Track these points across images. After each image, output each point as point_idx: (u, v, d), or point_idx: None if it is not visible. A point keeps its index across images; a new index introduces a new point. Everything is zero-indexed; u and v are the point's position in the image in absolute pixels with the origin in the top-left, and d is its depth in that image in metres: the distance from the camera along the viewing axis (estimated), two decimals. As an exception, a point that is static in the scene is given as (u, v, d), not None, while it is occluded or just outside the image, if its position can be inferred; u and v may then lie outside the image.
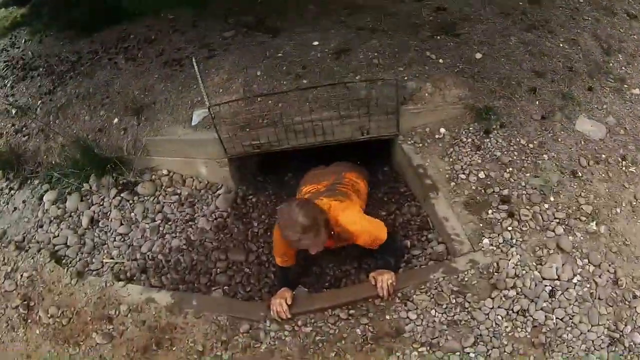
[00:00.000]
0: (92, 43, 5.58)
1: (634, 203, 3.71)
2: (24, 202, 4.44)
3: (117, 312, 3.57)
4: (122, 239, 4.05)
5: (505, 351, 3.12)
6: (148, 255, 3.90)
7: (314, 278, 3.73)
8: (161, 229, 4.02)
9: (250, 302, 3.61)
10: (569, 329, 3.14)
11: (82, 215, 4.15)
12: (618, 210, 3.64)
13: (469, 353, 3.13)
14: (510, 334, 3.15)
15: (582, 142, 3.93)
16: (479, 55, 4.33)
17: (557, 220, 3.52)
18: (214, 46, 4.88)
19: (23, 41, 6.19)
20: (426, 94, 4.08)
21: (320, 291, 3.60)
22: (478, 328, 3.18)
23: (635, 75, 4.45)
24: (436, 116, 4.05)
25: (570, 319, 3.17)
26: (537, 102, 4.10)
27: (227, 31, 5.09)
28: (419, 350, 3.16)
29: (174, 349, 3.36)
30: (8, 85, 5.38)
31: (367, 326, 3.28)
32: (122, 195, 4.23)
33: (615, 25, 4.83)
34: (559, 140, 3.93)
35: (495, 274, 3.33)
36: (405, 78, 4.14)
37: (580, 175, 3.73)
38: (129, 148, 4.36)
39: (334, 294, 3.49)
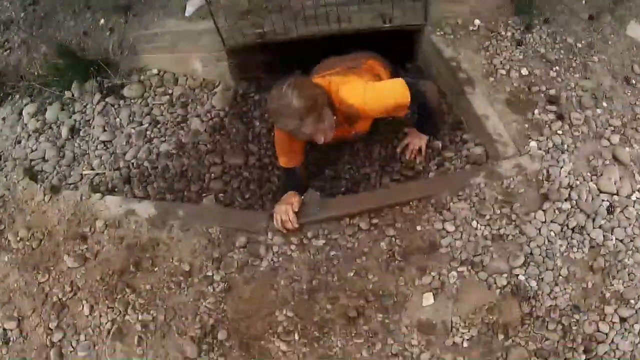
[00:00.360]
0: None
1: (694, 115, 3.17)
2: (3, 119, 3.78)
3: (92, 230, 2.92)
4: (105, 147, 3.42)
5: (560, 275, 2.50)
6: (132, 163, 3.27)
7: (327, 183, 3.07)
8: (148, 133, 3.40)
9: (248, 210, 2.96)
10: (629, 252, 2.56)
11: (63, 125, 3.57)
12: (677, 121, 3.12)
13: (517, 275, 2.48)
14: (565, 255, 2.55)
15: (634, 49, 3.34)
16: None
17: (612, 129, 2.94)
18: None
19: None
20: None
21: (335, 197, 2.94)
22: (528, 245, 2.56)
23: None
24: (470, 5, 3.37)
25: (630, 241, 2.59)
26: (584, 1, 3.47)
27: None
28: (459, 270, 2.52)
29: (155, 269, 2.72)
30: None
31: (394, 239, 2.62)
32: (106, 100, 3.61)
33: None
34: (609, 43, 3.32)
35: (546, 182, 2.70)
36: None
37: (634, 82, 3.17)
38: (115, 48, 3.70)
39: (353, 199, 2.80)
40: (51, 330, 2.71)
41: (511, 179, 2.73)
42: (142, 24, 3.69)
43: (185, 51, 3.55)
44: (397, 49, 3.51)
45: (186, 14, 3.56)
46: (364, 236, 2.67)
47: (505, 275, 2.50)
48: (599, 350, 2.40)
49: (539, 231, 2.60)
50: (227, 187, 3.07)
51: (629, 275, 2.52)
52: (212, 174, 3.11)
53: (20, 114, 3.74)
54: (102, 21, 3.86)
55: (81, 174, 3.24)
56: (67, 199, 3.07)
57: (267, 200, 3.05)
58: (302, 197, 2.79)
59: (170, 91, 3.61)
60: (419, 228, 2.64)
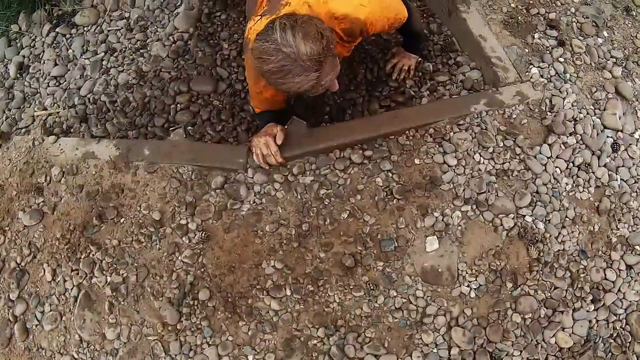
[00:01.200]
0: None
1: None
2: None
3: (48, 179, 2.29)
4: (57, 83, 2.79)
5: (567, 217, 2.09)
6: (89, 99, 2.63)
7: (307, 110, 2.44)
8: (105, 63, 2.77)
9: (223, 144, 2.35)
10: (634, 194, 2.20)
11: (10, 63, 2.98)
12: (681, 58, 2.57)
13: (524, 216, 2.03)
14: (571, 194, 2.14)
15: None
16: None
17: (614, 60, 2.49)
18: None
19: None
20: None
21: (317, 109, 2.37)
22: (534, 183, 2.11)
23: None
24: None
25: (635, 182, 2.23)
26: None
27: None
28: (462, 209, 2.03)
29: (121, 221, 2.13)
30: None
31: (390, 174, 2.10)
32: (57, 30, 2.98)
33: None
34: None
35: (549, 113, 2.23)
36: None
37: (634, 14, 2.71)
38: None
39: (343, 128, 2.22)
40: (12, 302, 2.14)
41: (513, 107, 2.24)
42: None
43: None
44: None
45: None
46: (357, 171, 2.12)
47: (512, 215, 2.04)
48: (606, 299, 2.02)
49: (545, 167, 2.14)
50: (195, 119, 2.46)
51: (633, 219, 2.15)
52: (179, 105, 2.49)
53: (-37, 55, 3.00)
54: None
55: (33, 116, 2.64)
56: (18, 145, 2.43)
57: (242, 131, 2.45)
58: (285, 126, 2.19)
59: (127, 14, 2.95)
60: (417, 161, 2.11)
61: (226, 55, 2.65)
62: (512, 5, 2.61)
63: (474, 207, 2.05)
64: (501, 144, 2.18)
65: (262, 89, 2.06)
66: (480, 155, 2.14)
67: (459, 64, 2.51)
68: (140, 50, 2.78)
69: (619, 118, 2.33)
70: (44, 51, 2.97)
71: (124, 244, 2.12)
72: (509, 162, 2.15)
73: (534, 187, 2.12)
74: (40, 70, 2.91)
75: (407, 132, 2.17)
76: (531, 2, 2.63)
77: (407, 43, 2.48)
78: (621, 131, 2.32)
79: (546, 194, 2.12)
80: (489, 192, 2.09)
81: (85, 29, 2.99)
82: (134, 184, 2.20)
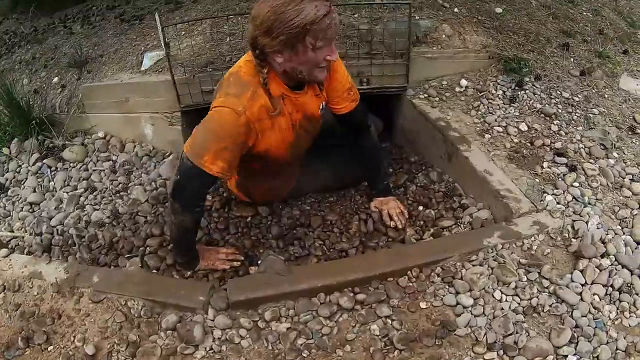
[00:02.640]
0: (52, 18, 4.35)
1: None
2: None
3: None
4: (31, 209, 2.69)
5: (618, 349, 1.70)
6: (57, 229, 2.47)
7: (292, 261, 2.13)
8: (82, 199, 2.66)
9: (182, 279, 2.06)
10: None
11: None
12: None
13: (566, 356, 1.64)
14: (617, 322, 1.78)
15: (632, 100, 2.84)
16: (499, 10, 3.18)
17: (631, 177, 2.35)
18: (182, 0, 3.61)
19: (-19, 24, 4.84)
20: (443, 36, 2.85)
21: (302, 260, 2.08)
22: (571, 316, 1.74)
23: None
24: (456, 66, 2.83)
25: None
26: (572, 59, 2.98)
27: None
28: (486, 357, 1.64)
29: (49, 348, 1.79)
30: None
31: (389, 321, 1.75)
32: (44, 161, 2.94)
33: (634, 7, 3.84)
34: (606, 96, 2.80)
35: (574, 239, 1.95)
36: (417, 18, 2.90)
37: None
38: (62, 105, 3.09)
39: (330, 267, 1.93)
40: None
41: (532, 238, 1.96)
42: (96, 79, 3.07)
43: (136, 111, 2.86)
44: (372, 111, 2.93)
45: (142, 67, 2.94)
46: (347, 318, 1.78)
47: (551, 357, 1.65)
48: None
49: (581, 296, 1.80)
50: (161, 264, 2.18)
51: None
52: (148, 248, 2.25)
53: (-48, 168, 2.94)
54: (55, 79, 3.28)
55: None
56: None
57: (214, 278, 2.12)
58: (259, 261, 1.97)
59: (114, 157, 2.91)
60: (423, 305, 1.78)
61: (208, 206, 2.48)
62: (515, 140, 2.48)
63: (501, 352, 1.66)
64: (524, 278, 1.85)
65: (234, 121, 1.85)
66: (502, 292, 1.81)
67: (465, 206, 2.31)
68: (120, 193, 2.69)
69: None
70: (27, 178, 2.91)
71: (45, 374, 1.64)
72: (537, 297, 1.81)
73: (571, 320, 1.75)
74: (18, 195, 2.82)
75: (409, 272, 1.86)
76: (534, 135, 2.50)
77: (372, 179, 2.44)
78: None
79: (588, 326, 1.75)
80: (517, 332, 1.71)
81: (71, 164, 2.94)
82: (74, 312, 1.90)
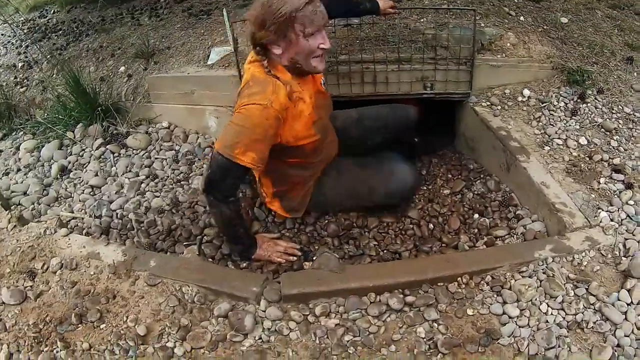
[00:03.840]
0: (119, 8, 4.56)
1: None
2: (0, 151, 3.34)
3: (45, 267, 2.17)
4: (92, 192, 2.80)
5: None
6: (117, 213, 2.57)
7: (346, 260, 2.21)
8: (143, 185, 2.77)
9: (237, 269, 2.16)
10: None
11: (55, 164, 3.07)
12: None
13: None
14: None
15: None
16: (564, 20, 3.19)
17: None
18: None
19: (52, 12, 5.20)
20: (508, 44, 2.88)
21: (356, 259, 2.16)
22: (614, 335, 1.76)
23: None
24: (519, 75, 2.85)
25: None
26: (636, 73, 2.95)
27: None
28: None
29: (102, 326, 1.88)
30: (23, 45, 4.45)
31: (436, 325, 1.80)
32: (107, 147, 3.05)
33: None
34: None
35: (624, 258, 1.96)
36: (482, 25, 2.95)
37: None
38: (128, 93, 3.26)
39: (382, 269, 2.00)
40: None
41: (583, 254, 1.98)
42: (162, 71, 3.22)
43: (201, 103, 3.01)
44: (434, 116, 2.96)
45: (209, 62, 3.08)
46: (395, 318, 1.84)
47: None
48: None
49: (626, 316, 1.80)
50: (216, 253, 2.29)
51: None
52: (205, 237, 2.36)
53: (18, 148, 3.27)
54: (122, 68, 3.45)
55: (58, 215, 2.58)
56: (31, 230, 2.37)
57: (268, 271, 2.21)
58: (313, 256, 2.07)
59: (177, 147, 3.03)
60: (470, 312, 1.83)
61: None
62: (574, 154, 2.49)
63: (543, 365, 1.74)
64: (572, 293, 1.88)
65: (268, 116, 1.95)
66: (548, 305, 1.84)
67: (519, 217, 2.34)
68: (182, 182, 2.80)
69: None
70: (89, 162, 3.05)
71: (95, 350, 1.82)
72: (583, 313, 1.82)
73: (614, 339, 1.76)
74: (80, 177, 2.95)
75: (459, 278, 1.91)
76: (593, 149, 2.50)
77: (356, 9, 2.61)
78: None
79: (630, 346, 1.75)
80: (559, 347, 1.73)
81: (134, 151, 3.07)
82: (129, 294, 2.00)
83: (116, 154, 3.04)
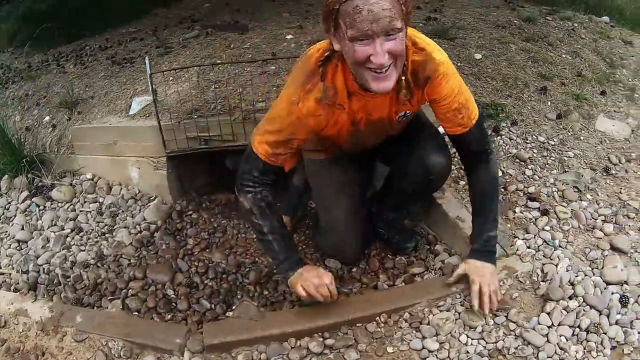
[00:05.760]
0: (46, 54, 4.58)
1: (687, 199, 2.54)
2: None
3: None
4: (19, 247, 2.82)
5: None
6: (44, 268, 2.61)
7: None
8: (69, 239, 2.79)
9: (160, 321, 2.17)
10: None
11: None
12: (670, 206, 2.48)
13: None
14: None
15: (607, 141, 2.99)
16: (478, 56, 3.39)
17: (603, 218, 2.46)
18: (172, 45, 3.81)
19: (-24, 58, 5.04)
20: None
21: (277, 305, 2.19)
22: (536, 357, 1.86)
23: None
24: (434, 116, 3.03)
25: None
26: (549, 103, 3.14)
27: (189, 33, 4.06)
28: None
29: None
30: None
31: None
32: (33, 199, 3.07)
33: (613, 47, 4.04)
34: (581, 138, 2.96)
35: (543, 282, 2.08)
36: None
37: (614, 172, 2.75)
38: (52, 144, 3.26)
39: (300, 313, 2.04)
40: None
41: (501, 283, 2.08)
42: (86, 121, 3.24)
43: (123, 154, 3.02)
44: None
45: (130, 112, 3.11)
46: None
47: None
48: None
49: (547, 338, 1.90)
50: (142, 306, 2.32)
51: None
52: (130, 290, 2.39)
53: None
54: (46, 118, 3.45)
55: None
56: None
57: (192, 322, 2.23)
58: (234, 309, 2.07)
59: (101, 199, 3.04)
60: (390, 349, 1.89)
61: (189, 251, 2.64)
62: None
63: (465, 394, 1.81)
64: (491, 322, 1.95)
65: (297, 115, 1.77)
66: (467, 336, 1.90)
67: (436, 252, 2.44)
68: (106, 235, 2.81)
69: (621, 270, 2.17)
70: (15, 215, 3.03)
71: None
72: (503, 340, 1.90)
73: None
74: (6, 232, 2.94)
75: (377, 317, 1.97)
76: (508, 180, 2.64)
77: (474, 223, 2.09)
78: (626, 283, 2.14)
79: None
80: None
81: (59, 204, 3.06)
82: (58, 350, 2.02)
83: (42, 207, 3.05)
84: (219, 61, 3.17)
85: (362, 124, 1.87)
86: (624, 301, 2.05)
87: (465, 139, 1.93)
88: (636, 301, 2.07)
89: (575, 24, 4.24)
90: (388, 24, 1.50)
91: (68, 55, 4.33)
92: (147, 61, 2.66)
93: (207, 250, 2.62)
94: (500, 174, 2.67)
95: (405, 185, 2.23)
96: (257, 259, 2.54)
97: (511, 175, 2.68)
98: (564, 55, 3.66)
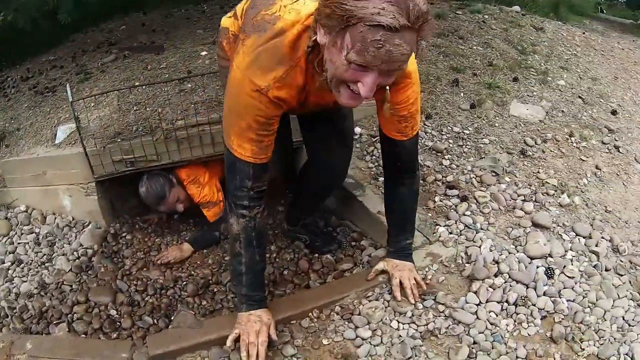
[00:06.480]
0: None
1: (599, 173, 2.90)
2: None
3: None
4: None
5: (518, 357, 1.93)
6: None
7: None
8: (10, 272, 2.85)
9: (105, 340, 2.28)
10: (587, 310, 2.11)
11: None
12: (585, 181, 2.82)
13: None
14: (515, 333, 2.02)
15: (522, 125, 3.19)
16: None
17: (523, 198, 2.64)
18: (91, 70, 3.84)
19: None
20: None
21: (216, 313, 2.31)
22: (468, 334, 2.00)
23: (555, 70, 3.84)
24: None
25: (584, 297, 2.16)
26: (462, 94, 3.34)
27: (107, 57, 4.10)
28: None
29: None
30: None
31: (294, 358, 1.97)
32: None
33: (524, 34, 4.30)
34: (496, 125, 3.15)
35: (467, 264, 2.23)
36: None
37: (531, 154, 2.93)
38: None
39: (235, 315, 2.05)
40: None
41: (426, 269, 2.24)
42: (14, 154, 3.26)
43: (53, 183, 3.06)
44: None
45: (56, 141, 3.14)
46: None
47: None
48: None
49: (477, 315, 2.05)
50: (88, 328, 2.42)
51: (597, 332, 2.02)
52: (75, 314, 2.48)
53: None
54: None
55: None
56: None
57: (137, 338, 2.33)
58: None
59: (37, 229, 3.08)
60: (325, 342, 2.00)
61: (127, 271, 2.75)
62: None
63: (403, 375, 1.90)
64: (420, 306, 2.10)
65: (251, 122, 1.64)
66: (398, 322, 2.04)
67: (362, 247, 2.60)
68: (46, 264, 2.87)
69: (544, 245, 2.36)
70: None
71: None
72: (434, 321, 2.05)
73: (469, 338, 1.99)
74: None
75: (310, 313, 2.09)
76: (426, 172, 2.80)
77: (392, 230, 2.20)
78: (550, 256, 2.32)
79: (486, 341, 1.98)
80: (416, 355, 1.94)
81: None
82: None
83: None
84: (137, 83, 3.22)
85: (311, 103, 1.79)
86: (549, 273, 2.23)
87: (399, 147, 1.92)
88: (562, 272, 2.26)
89: (486, 16, 4.48)
90: (397, 67, 1.40)
91: (-11, 88, 4.18)
92: (68, 89, 2.70)
93: (145, 269, 2.73)
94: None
95: (312, 184, 2.44)
96: (192, 272, 2.67)
97: (429, 167, 2.84)
98: (474, 47, 3.87)
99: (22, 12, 4.14)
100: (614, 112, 3.49)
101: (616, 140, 3.21)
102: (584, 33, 4.84)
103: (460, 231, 2.46)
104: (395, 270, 2.14)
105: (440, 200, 2.62)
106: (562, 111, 3.36)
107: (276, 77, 1.55)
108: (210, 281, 2.58)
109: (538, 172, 2.82)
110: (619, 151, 3.13)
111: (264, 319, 1.90)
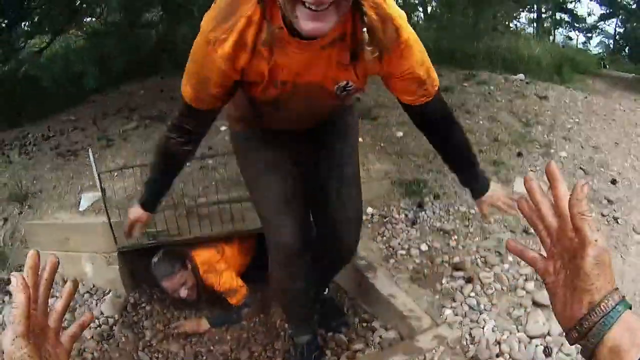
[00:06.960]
0: None
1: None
2: None
3: None
4: None
5: None
6: None
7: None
8: None
9: None
10: None
11: None
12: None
13: None
14: None
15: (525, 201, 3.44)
16: (400, 134, 3.72)
17: (524, 277, 2.74)
18: (113, 137, 4.01)
19: None
20: None
21: None
22: None
23: (558, 141, 4.01)
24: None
25: None
26: None
27: (128, 124, 4.28)
28: None
29: None
30: None
31: None
32: None
33: (528, 105, 4.47)
34: None
35: (471, 345, 2.35)
36: None
37: (533, 232, 3.17)
38: (6, 239, 3.39)
39: None
40: None
41: (433, 351, 2.34)
42: (36, 215, 3.38)
43: (76, 249, 3.16)
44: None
45: (80, 208, 3.26)
46: None
47: None
48: None
49: None
50: None
51: None
52: None
53: None
54: None
55: None
56: None
57: None
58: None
59: (57, 294, 3.19)
60: None
61: (148, 342, 2.84)
62: (417, 261, 2.89)
63: None
64: None
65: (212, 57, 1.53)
66: None
67: (373, 328, 2.70)
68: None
69: (543, 324, 2.46)
70: None
71: None
72: None
73: None
74: None
75: None
76: (434, 253, 2.91)
77: (466, 171, 2.02)
78: (549, 335, 2.43)
79: None
80: None
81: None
82: None
83: (1, 302, 3.13)
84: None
85: (289, 87, 1.62)
86: (547, 352, 2.32)
87: (429, 108, 1.75)
88: (560, 350, 2.35)
89: (492, 87, 4.68)
90: None
91: (12, 143, 4.48)
92: (91, 157, 2.80)
93: (165, 341, 2.82)
94: (426, 248, 2.98)
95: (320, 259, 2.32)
96: (211, 347, 2.77)
97: (437, 248, 2.97)
98: (481, 122, 4.04)
99: (47, 71, 4.34)
100: (613, 182, 3.62)
101: (615, 211, 3.34)
102: (586, 97, 5.03)
103: (465, 313, 2.57)
104: (496, 201, 1.98)
105: (447, 282, 2.74)
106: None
107: (224, 28, 1.45)
108: (230, 358, 2.68)
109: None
110: (617, 222, 3.25)
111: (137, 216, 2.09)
